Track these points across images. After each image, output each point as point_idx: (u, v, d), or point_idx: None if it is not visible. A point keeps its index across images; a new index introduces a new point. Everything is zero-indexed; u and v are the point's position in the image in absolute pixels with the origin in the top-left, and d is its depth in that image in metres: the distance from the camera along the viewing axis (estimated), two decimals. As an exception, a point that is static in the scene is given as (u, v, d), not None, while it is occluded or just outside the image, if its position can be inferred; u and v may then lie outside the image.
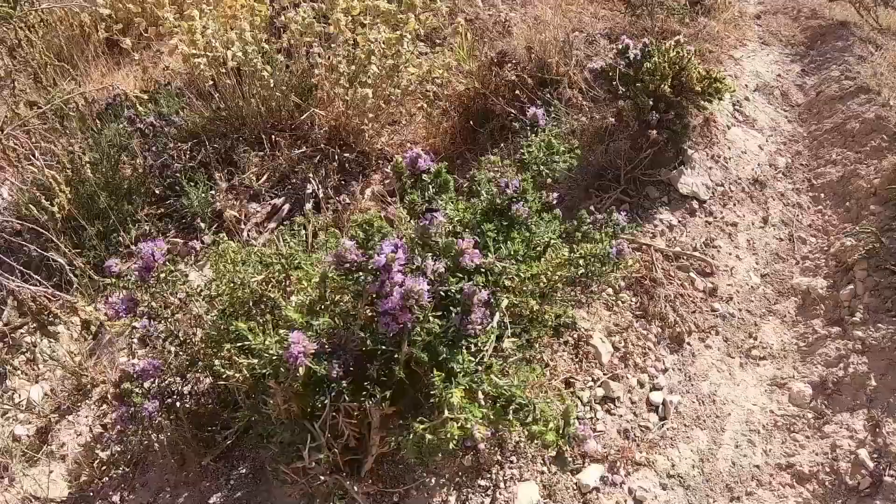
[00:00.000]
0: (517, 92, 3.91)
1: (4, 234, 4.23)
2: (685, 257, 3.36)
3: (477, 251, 1.81)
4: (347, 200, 4.03)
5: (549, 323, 2.33)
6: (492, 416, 1.85)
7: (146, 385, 2.76)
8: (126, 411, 2.68)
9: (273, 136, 4.32)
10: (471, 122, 4.18)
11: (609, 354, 2.93)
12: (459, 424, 1.72)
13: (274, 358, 1.75)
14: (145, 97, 4.91)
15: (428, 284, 1.73)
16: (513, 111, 3.95)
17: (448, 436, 1.71)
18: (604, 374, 2.90)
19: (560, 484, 2.58)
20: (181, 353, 2.82)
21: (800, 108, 4.37)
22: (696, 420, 3.04)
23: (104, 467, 3.02)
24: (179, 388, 2.89)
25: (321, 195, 4.02)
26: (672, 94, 3.56)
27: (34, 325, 3.29)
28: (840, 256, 3.59)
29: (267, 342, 1.73)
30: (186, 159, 4.31)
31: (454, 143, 4.16)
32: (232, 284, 2.23)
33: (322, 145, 4.26)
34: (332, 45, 4.07)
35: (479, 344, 1.90)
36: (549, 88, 4.05)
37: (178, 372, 2.97)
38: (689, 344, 3.19)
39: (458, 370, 1.83)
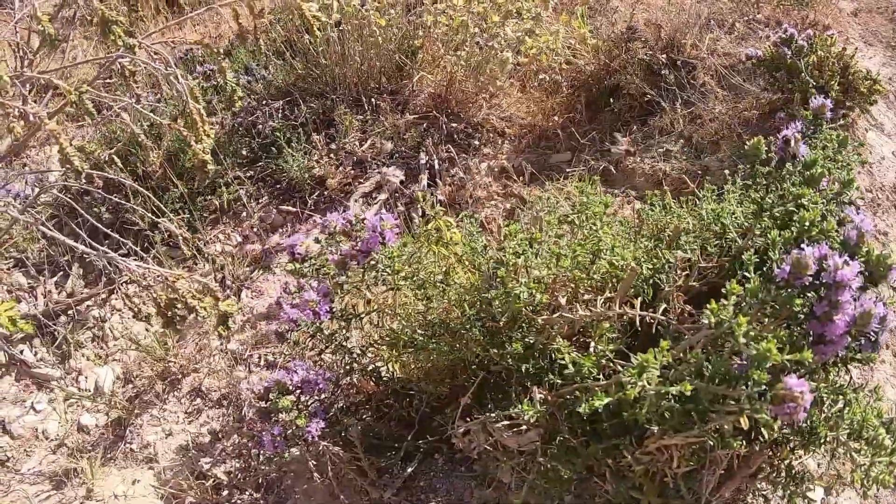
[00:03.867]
0: (663, 72, 3.36)
1: (68, 195, 3.47)
2: (853, 266, 2.91)
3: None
4: (463, 175, 3.43)
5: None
6: None
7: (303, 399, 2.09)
8: (279, 432, 1.98)
9: (373, 99, 3.66)
10: (593, 100, 3.62)
11: (810, 373, 2.47)
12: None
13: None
14: (217, 54, 4.14)
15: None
16: (650, 91, 3.41)
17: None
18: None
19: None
20: (336, 355, 2.17)
21: (914, 114, 3.97)
22: (877, 444, 2.63)
23: (221, 490, 2.35)
24: (341, 401, 2.24)
25: (437, 167, 3.41)
26: (840, 93, 3.07)
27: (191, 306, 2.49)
28: None
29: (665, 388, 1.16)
30: (279, 119, 3.62)
31: (576, 121, 3.59)
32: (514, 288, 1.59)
33: (428, 113, 3.64)
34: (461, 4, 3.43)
35: None
36: (682, 71, 3.51)
37: (331, 378, 2.30)
38: (865, 361, 2.75)
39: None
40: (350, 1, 3.38)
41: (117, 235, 3.41)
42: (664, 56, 3.53)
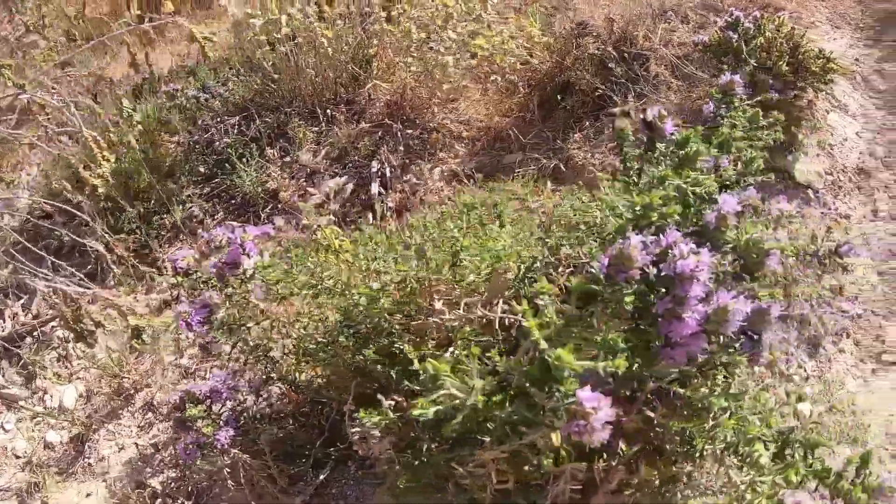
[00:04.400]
0: (611, 66, 3.26)
1: (32, 218, 3.49)
2: (809, 252, 2.77)
3: (779, 252, 1.20)
4: (416, 181, 3.36)
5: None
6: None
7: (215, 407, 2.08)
8: (194, 441, 1.97)
9: (328, 110, 3.62)
10: (547, 98, 3.52)
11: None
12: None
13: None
14: (182, 72, 4.16)
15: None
16: (601, 86, 3.30)
17: None
18: (755, 385, 2.30)
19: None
20: (258, 365, 2.13)
21: (885, 95, 3.81)
22: (839, 434, 2.47)
23: (156, 499, 2.33)
24: (255, 408, 2.20)
25: (388, 174, 3.34)
26: (790, 74, 2.94)
27: (97, 321, 2.57)
28: (959, 253, 3.04)
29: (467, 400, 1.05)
30: (235, 134, 3.59)
31: (529, 120, 3.50)
32: (368, 292, 1.55)
33: (383, 120, 3.58)
34: (395, 10, 3.37)
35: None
36: (634, 64, 3.40)
37: (250, 388, 2.29)
38: (824, 348, 2.61)
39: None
40: (295, 15, 3.35)
41: (79, 257, 3.41)
42: (615, 49, 3.43)
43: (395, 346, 1.40)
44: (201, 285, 1.94)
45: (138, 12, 4.43)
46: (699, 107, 3.19)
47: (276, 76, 3.57)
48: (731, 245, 1.25)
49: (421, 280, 1.61)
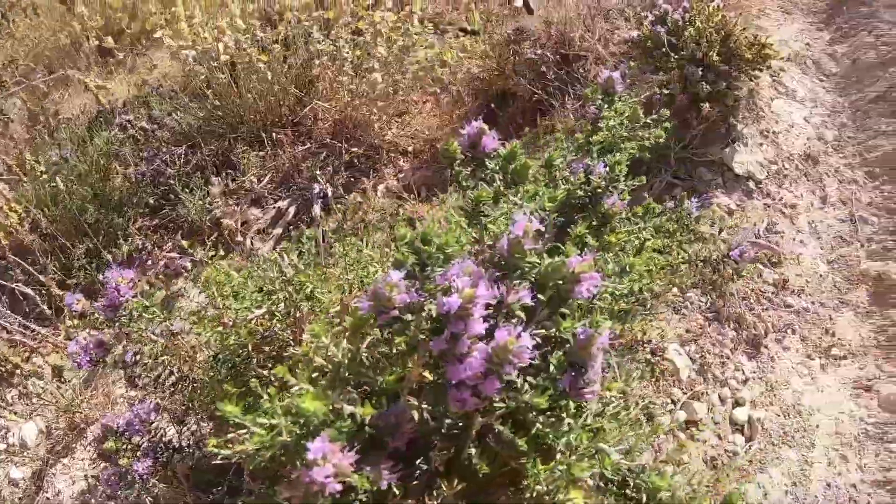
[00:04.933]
0: (543, 69, 3.15)
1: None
2: (750, 246, 2.64)
3: (597, 275, 1.07)
4: (359, 199, 3.27)
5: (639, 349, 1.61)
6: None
7: (136, 440, 2.06)
8: (114, 472, 1.99)
9: (274, 134, 3.54)
10: (490, 106, 3.42)
11: (687, 368, 2.21)
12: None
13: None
14: (136, 103, 4.13)
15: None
16: (537, 91, 3.20)
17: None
18: (683, 394, 2.18)
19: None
20: (176, 395, 2.10)
21: (836, 78, 3.66)
22: (784, 437, 2.34)
23: None
24: (177, 438, 2.15)
25: (330, 194, 3.26)
26: (721, 63, 2.82)
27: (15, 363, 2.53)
28: (912, 236, 2.89)
29: (273, 440, 0.97)
30: (181, 164, 3.53)
31: (471, 132, 3.39)
32: (220, 330, 1.48)
33: (327, 140, 3.50)
34: (335, 30, 3.30)
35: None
36: (574, 65, 3.29)
37: (173, 418, 2.24)
38: (766, 347, 2.48)
39: (564, 448, 1.10)
40: (228, 43, 3.28)
41: (36, 296, 3.37)
42: (554, 53, 3.32)
43: (252, 379, 1.32)
44: (101, 324, 1.90)
45: (97, 43, 4.38)
46: (643, 100, 3.08)
47: (217, 104, 3.50)
48: (524, 274, 1.10)
49: (286, 314, 1.53)
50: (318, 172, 3.39)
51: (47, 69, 4.86)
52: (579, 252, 1.14)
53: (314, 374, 1.20)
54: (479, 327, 0.98)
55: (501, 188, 1.33)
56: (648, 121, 1.74)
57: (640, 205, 1.95)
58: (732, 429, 2.25)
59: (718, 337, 2.36)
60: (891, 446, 2.44)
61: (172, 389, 2.07)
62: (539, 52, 3.32)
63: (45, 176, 3.33)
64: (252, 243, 3.24)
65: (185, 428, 2.25)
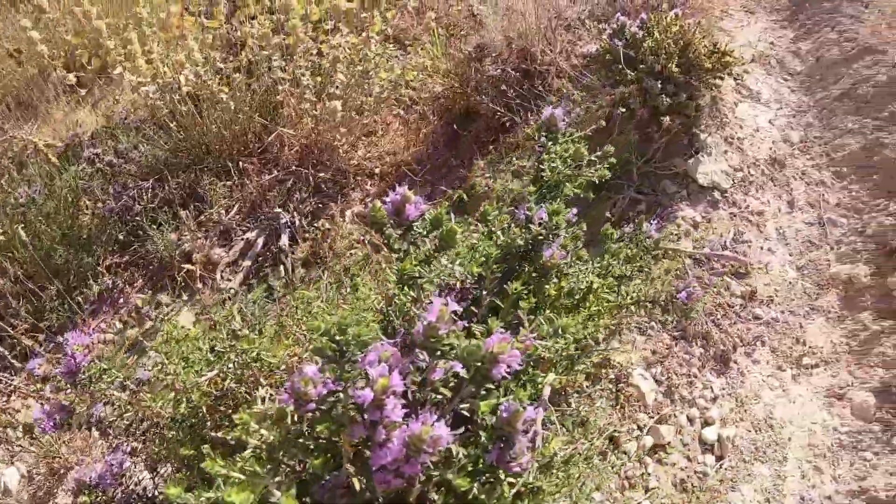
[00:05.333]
0: (503, 87, 3.09)
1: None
2: (716, 259, 2.58)
3: (516, 353, 1.01)
4: (328, 226, 3.21)
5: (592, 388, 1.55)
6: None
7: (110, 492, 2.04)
8: None
9: (240, 163, 3.48)
10: (453, 126, 3.36)
11: (653, 392, 2.16)
12: None
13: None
14: (105, 135, 4.06)
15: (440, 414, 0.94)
16: (499, 109, 3.14)
17: None
18: (649, 418, 2.13)
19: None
20: (148, 442, 2.06)
21: (801, 76, 3.60)
22: (756, 452, 2.29)
23: None
24: (151, 486, 2.11)
25: (297, 223, 3.20)
26: (681, 74, 2.76)
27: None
28: (880, 238, 2.83)
29: None
30: (148, 199, 3.46)
31: (437, 150, 3.34)
32: (171, 397, 1.43)
33: (294, 167, 3.44)
34: (295, 57, 3.23)
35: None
36: (536, 80, 3.23)
37: (147, 464, 2.21)
38: (735, 362, 2.42)
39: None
40: (188, 75, 3.22)
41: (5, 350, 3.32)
42: (515, 69, 3.26)
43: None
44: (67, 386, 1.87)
45: (65, 72, 4.30)
46: (603, 115, 3.02)
47: (181, 136, 3.44)
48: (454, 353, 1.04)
49: (237, 374, 1.47)
50: (285, 200, 3.33)
51: (15, 100, 4.79)
52: (505, 323, 1.08)
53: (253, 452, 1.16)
54: (395, 415, 0.94)
55: (430, 251, 1.27)
56: (593, 157, 1.68)
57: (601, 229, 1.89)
58: (702, 449, 2.20)
59: (685, 356, 2.31)
60: (865, 455, 2.39)
61: (143, 438, 2.04)
62: (500, 68, 3.26)
63: (13, 218, 3.27)
64: (222, 277, 3.17)
65: (157, 475, 2.21)
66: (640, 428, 2.09)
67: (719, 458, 2.21)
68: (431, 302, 1.04)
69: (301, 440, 1.15)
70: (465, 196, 3.05)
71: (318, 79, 3.27)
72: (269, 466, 1.16)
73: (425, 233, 1.27)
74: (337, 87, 3.09)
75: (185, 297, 3.02)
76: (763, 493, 2.22)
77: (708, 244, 2.61)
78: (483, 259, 1.34)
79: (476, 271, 1.32)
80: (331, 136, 3.31)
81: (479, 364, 1.00)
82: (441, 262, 1.29)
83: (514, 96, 3.06)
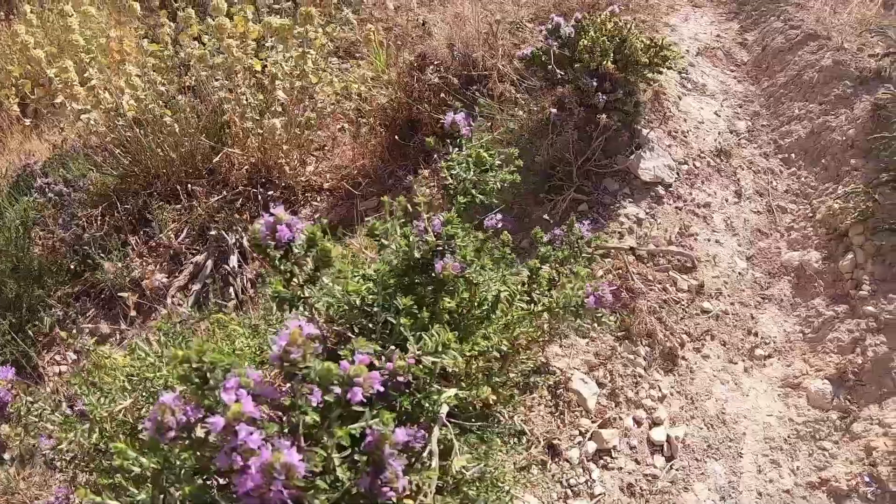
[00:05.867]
0: (443, 95, 3.01)
1: None
2: (661, 254, 2.50)
3: (376, 375, 0.93)
4: (277, 244, 3.10)
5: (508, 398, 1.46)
6: None
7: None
8: None
9: (189, 186, 3.38)
10: (399, 136, 3.27)
11: (595, 396, 2.06)
12: None
13: None
14: (56, 163, 3.96)
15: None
16: (441, 117, 3.04)
17: None
18: (592, 423, 2.03)
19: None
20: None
21: (747, 67, 3.53)
22: (708, 450, 2.19)
23: None
24: None
25: (246, 244, 3.10)
26: (617, 71, 2.68)
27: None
28: (829, 222, 2.75)
29: None
30: (98, 226, 3.36)
31: (384, 162, 3.25)
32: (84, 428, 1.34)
33: (242, 187, 3.34)
34: (234, 77, 3.14)
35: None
36: (477, 85, 3.15)
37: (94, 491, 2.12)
38: (683, 359, 2.33)
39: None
40: (129, 101, 3.12)
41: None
42: (457, 76, 3.18)
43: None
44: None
45: (17, 99, 4.19)
46: (539, 120, 2.94)
47: (127, 161, 3.34)
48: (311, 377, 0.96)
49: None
50: (232, 222, 3.23)
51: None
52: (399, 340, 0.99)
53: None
54: (252, 441, 0.85)
55: (310, 272, 1.18)
56: (497, 162, 1.59)
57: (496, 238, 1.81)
58: (651, 451, 2.10)
59: (630, 356, 2.21)
60: (824, 444, 2.30)
61: (88, 468, 1.95)
62: (442, 76, 3.18)
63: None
64: (173, 302, 3.07)
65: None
66: (582, 434, 1.99)
67: (669, 459, 2.11)
68: (287, 326, 0.96)
69: (177, 466, 1.07)
70: (409, 207, 2.96)
71: (260, 97, 3.19)
72: (154, 492, 1.08)
73: (302, 252, 1.18)
74: (279, 104, 3.00)
75: (137, 325, 2.92)
76: (718, 492, 2.12)
77: (652, 240, 2.52)
78: (373, 276, 1.25)
79: (353, 289, 1.22)
80: (276, 153, 3.21)
81: (338, 387, 0.92)
82: (323, 282, 1.19)
83: (450, 103, 2.98)
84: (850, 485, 2.16)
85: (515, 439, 1.78)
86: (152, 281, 2.95)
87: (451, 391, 1.25)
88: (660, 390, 2.20)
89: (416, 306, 1.24)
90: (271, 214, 1.19)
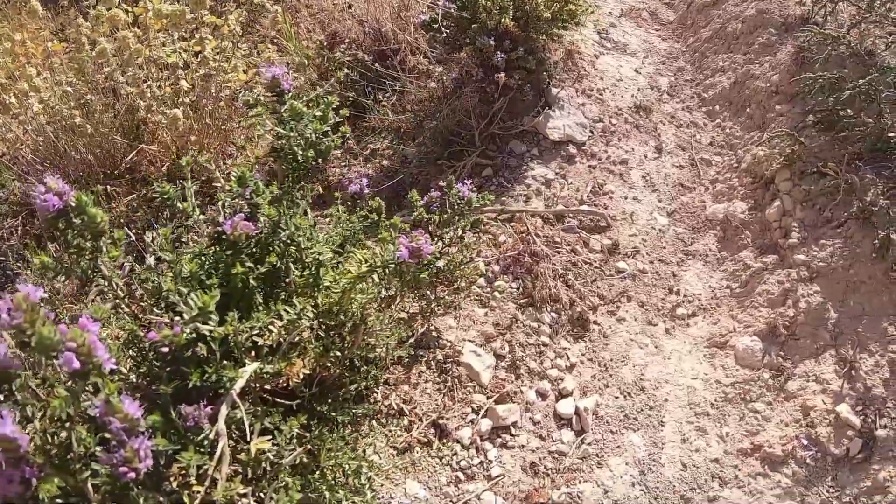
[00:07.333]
0: (345, 71, 2.73)
1: None
2: (571, 215, 2.21)
3: (95, 340, 0.71)
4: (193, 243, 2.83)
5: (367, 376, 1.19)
6: None
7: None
8: None
9: (108, 186, 3.11)
10: (315, 120, 2.99)
11: (490, 369, 1.78)
12: None
13: None
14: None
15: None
16: (350, 95, 2.78)
17: None
18: (487, 399, 1.75)
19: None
20: None
21: (672, 25, 3.25)
22: (625, 421, 1.91)
23: None
24: None
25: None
26: (518, 29, 2.40)
27: None
28: (755, 170, 2.47)
29: None
30: (19, 235, 3.09)
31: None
32: None
33: (164, 183, 3.05)
34: (132, 69, 2.87)
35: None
36: (390, 59, 2.87)
37: None
38: (596, 323, 2.05)
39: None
40: (35, 105, 2.85)
41: None
42: (369, 52, 2.90)
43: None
44: None
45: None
46: (446, 84, 2.66)
47: (39, 168, 3.07)
48: None
49: None
50: (152, 221, 2.96)
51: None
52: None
53: None
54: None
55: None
56: (325, 114, 1.32)
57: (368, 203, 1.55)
58: (558, 425, 1.82)
59: (534, 324, 1.93)
60: (755, 406, 2.02)
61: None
62: (352, 53, 2.90)
63: None
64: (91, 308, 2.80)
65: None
66: (475, 411, 1.71)
67: (580, 433, 1.84)
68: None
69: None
70: (320, 189, 2.69)
71: (167, 89, 2.91)
72: None
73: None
74: (186, 94, 2.72)
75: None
76: (637, 466, 1.84)
77: (561, 200, 2.24)
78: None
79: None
80: (187, 145, 2.94)
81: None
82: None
83: (363, 79, 2.70)
84: (785, 450, 1.89)
85: (393, 420, 1.51)
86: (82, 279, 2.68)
87: (253, 365, 0.99)
88: (568, 359, 1.92)
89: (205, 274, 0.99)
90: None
